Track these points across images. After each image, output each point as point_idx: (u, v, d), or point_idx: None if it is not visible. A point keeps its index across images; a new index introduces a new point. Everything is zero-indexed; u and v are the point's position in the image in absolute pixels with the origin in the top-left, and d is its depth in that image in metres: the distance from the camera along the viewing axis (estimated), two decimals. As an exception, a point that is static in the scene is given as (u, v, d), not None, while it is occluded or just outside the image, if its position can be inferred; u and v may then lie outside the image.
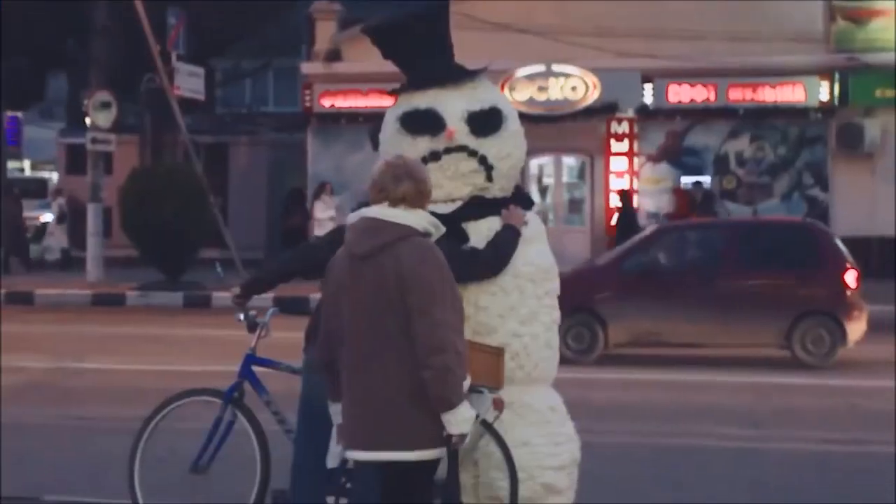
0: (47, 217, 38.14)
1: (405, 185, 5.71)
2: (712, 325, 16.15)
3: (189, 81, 27.17)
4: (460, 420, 5.55)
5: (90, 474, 9.81)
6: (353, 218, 5.79)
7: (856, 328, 16.10)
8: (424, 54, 7.39)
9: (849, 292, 16.15)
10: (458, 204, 7.26)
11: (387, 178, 5.71)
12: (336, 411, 5.87)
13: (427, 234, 5.74)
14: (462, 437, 5.60)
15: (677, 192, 27.55)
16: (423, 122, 7.24)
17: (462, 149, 7.22)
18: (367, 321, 5.54)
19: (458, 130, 7.21)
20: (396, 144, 7.34)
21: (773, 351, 16.31)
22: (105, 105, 26.43)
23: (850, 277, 16.21)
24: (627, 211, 25.99)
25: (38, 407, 12.95)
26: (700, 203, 26.46)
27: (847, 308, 16.06)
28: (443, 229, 5.89)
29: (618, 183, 27.80)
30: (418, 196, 5.74)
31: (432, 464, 5.66)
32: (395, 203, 5.67)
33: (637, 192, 27.95)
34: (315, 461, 6.88)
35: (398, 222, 5.62)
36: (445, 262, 5.66)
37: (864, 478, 9.77)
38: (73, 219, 31.25)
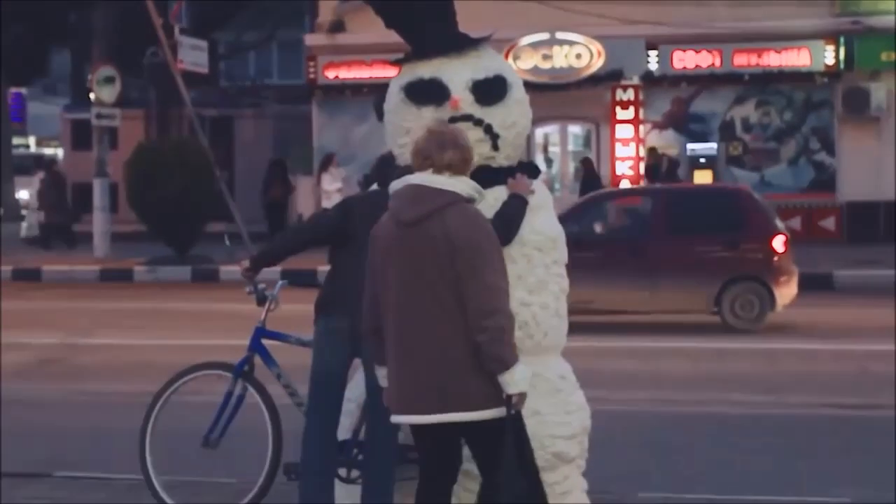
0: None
1: (450, 152, 5.74)
2: (642, 292, 16.20)
3: (192, 55, 27.10)
4: (518, 379, 5.58)
5: (100, 449, 9.83)
6: (396, 185, 5.80)
7: (785, 293, 16.21)
8: (427, 23, 7.35)
9: (777, 257, 16.24)
10: (465, 174, 7.24)
11: (431, 145, 5.74)
12: (383, 375, 5.89)
13: (471, 200, 5.76)
14: (521, 396, 5.62)
15: (656, 154, 27.34)
16: (428, 92, 7.21)
17: (467, 118, 7.18)
18: (417, 287, 5.57)
19: (463, 99, 7.18)
20: (401, 115, 7.32)
21: (706, 317, 16.28)
22: (109, 80, 26.39)
23: (778, 242, 16.29)
24: (591, 179, 25.91)
25: (47, 383, 12.97)
26: (665, 171, 26.37)
27: (775, 273, 16.15)
28: (484, 195, 5.86)
29: (624, 151, 27.72)
30: (463, 163, 5.79)
31: (496, 423, 5.64)
32: (439, 170, 5.69)
33: (642, 158, 27.90)
34: (325, 434, 6.89)
35: (444, 189, 5.64)
36: (491, 228, 5.70)
37: (878, 440, 9.77)
38: (56, 194, 31.37)
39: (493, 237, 5.68)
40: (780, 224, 16.75)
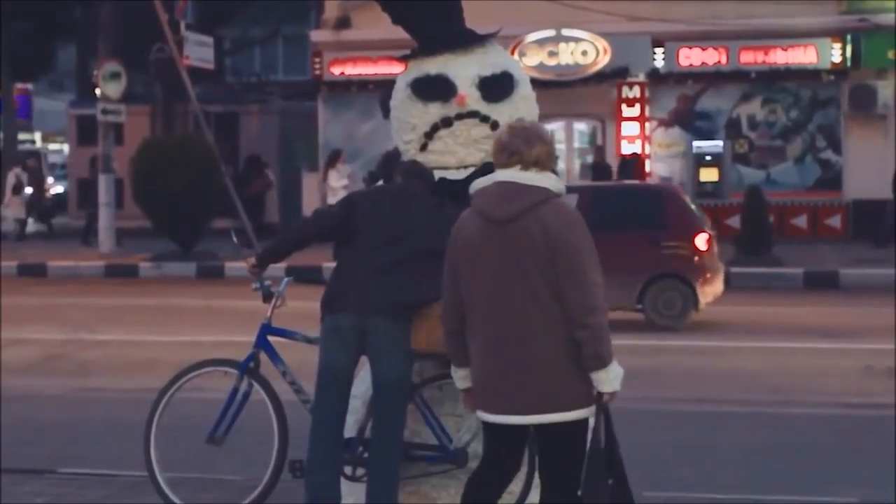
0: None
1: (537, 147, 5.63)
2: None
3: (198, 51, 27.09)
4: (613, 377, 5.52)
5: (104, 446, 9.81)
6: (483, 183, 5.68)
7: (708, 290, 16.22)
8: (434, 19, 7.33)
9: (699, 255, 16.23)
10: (471, 170, 7.21)
11: (518, 141, 5.63)
12: (462, 376, 5.82)
13: (559, 195, 5.67)
14: (613, 394, 5.56)
15: (634, 157, 27.21)
16: (434, 88, 7.20)
17: (474, 114, 7.17)
18: (513, 285, 5.49)
19: (470, 96, 7.17)
20: (407, 111, 7.30)
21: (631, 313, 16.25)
22: (114, 75, 26.38)
23: (701, 241, 16.28)
24: (603, 169, 25.83)
25: (53, 378, 12.97)
26: (619, 168, 26.30)
27: (698, 271, 16.15)
28: (564, 191, 5.78)
29: (630, 148, 27.70)
30: (548, 158, 5.69)
31: (584, 423, 5.61)
32: (527, 166, 5.58)
33: (648, 156, 27.87)
34: (332, 432, 6.86)
35: (538, 185, 5.55)
36: (584, 223, 5.63)
37: (885, 439, 9.74)
38: (34, 190, 31.74)
39: (588, 233, 5.59)
40: (705, 223, 16.83)
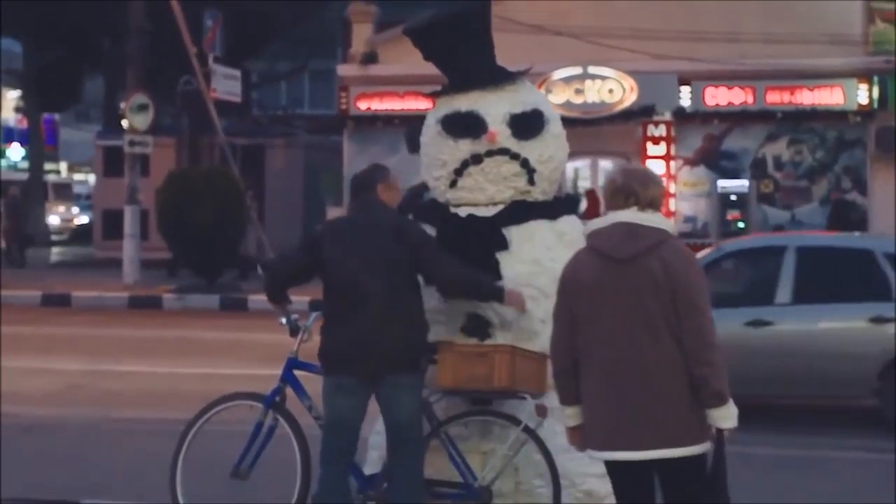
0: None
1: (652, 188, 5.83)
2: None
3: (226, 83, 27.22)
4: (732, 414, 5.63)
5: (128, 477, 9.79)
6: (600, 224, 5.80)
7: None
8: (465, 55, 7.36)
9: None
10: (500, 207, 7.22)
11: (635, 183, 5.80)
12: (572, 414, 5.84)
13: (673, 235, 5.86)
14: (732, 431, 5.66)
15: (589, 194, 27.08)
16: (465, 125, 7.22)
17: (504, 151, 7.19)
18: (634, 322, 5.61)
19: (500, 133, 7.19)
20: (438, 147, 7.32)
21: None
22: (142, 107, 26.49)
23: None
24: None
25: (76, 409, 12.95)
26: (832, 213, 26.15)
27: None
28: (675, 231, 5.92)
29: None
30: (661, 198, 5.90)
31: (704, 458, 5.68)
32: (643, 207, 5.77)
33: (674, 195, 27.83)
34: (340, 482, 6.80)
35: (656, 226, 5.74)
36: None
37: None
38: (13, 220, 32.03)
39: (703, 272, 5.79)
40: None
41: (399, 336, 6.65)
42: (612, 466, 5.76)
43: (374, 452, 7.29)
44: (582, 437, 5.82)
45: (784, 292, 12.23)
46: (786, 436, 11.55)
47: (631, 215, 5.74)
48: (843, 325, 12.07)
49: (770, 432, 11.39)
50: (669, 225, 5.83)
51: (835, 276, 12.42)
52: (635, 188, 5.78)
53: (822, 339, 12.04)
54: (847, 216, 23.78)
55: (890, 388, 11.74)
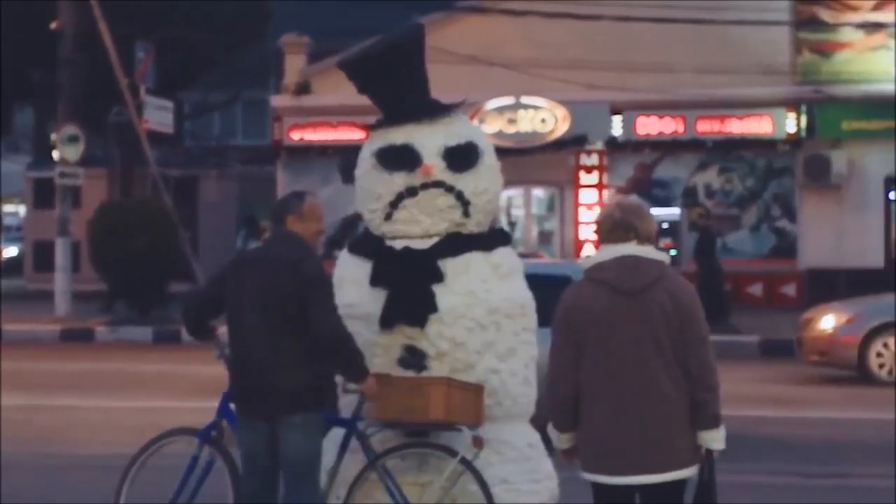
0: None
1: (649, 222, 6.11)
2: None
3: (158, 115, 27.12)
4: (723, 436, 5.96)
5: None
6: (602, 258, 6.01)
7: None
8: (399, 88, 7.39)
9: None
10: (435, 240, 7.25)
11: (633, 217, 6.06)
12: (567, 440, 6.01)
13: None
14: (720, 452, 5.98)
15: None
16: (400, 158, 7.25)
17: (439, 184, 7.23)
18: (644, 351, 5.85)
19: (435, 166, 7.23)
20: (373, 180, 7.34)
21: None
22: (73, 139, 26.30)
23: None
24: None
25: (9, 445, 12.82)
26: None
27: None
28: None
29: (588, 215, 27.78)
30: (655, 232, 6.18)
31: (685, 482, 5.96)
32: (642, 241, 6.02)
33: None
34: None
35: (657, 259, 6.03)
36: None
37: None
38: None
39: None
40: None
41: (287, 376, 6.59)
42: (603, 490, 5.95)
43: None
44: (577, 458, 6.01)
45: None
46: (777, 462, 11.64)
47: (633, 248, 5.98)
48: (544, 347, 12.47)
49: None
50: (667, 258, 6.09)
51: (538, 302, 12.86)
52: (634, 223, 6.03)
53: None
54: (710, 243, 24.42)
55: None
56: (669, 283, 5.96)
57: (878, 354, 16.89)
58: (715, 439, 5.93)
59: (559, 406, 6.01)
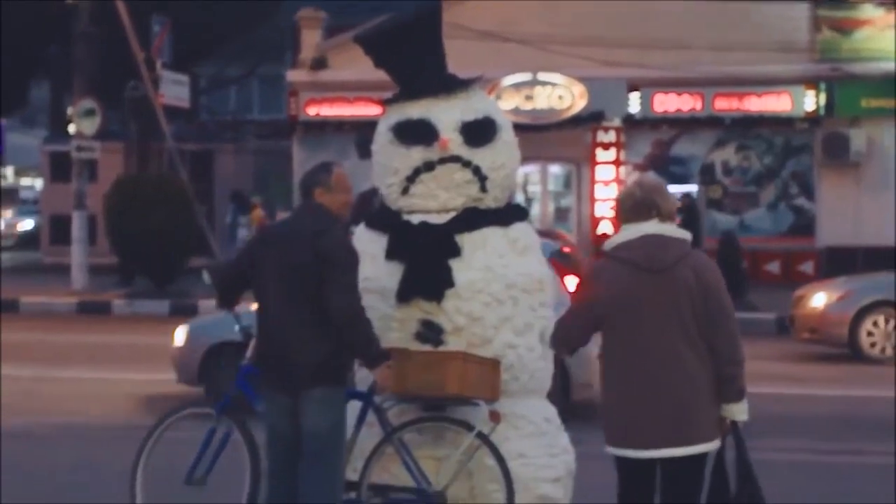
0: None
1: (671, 200, 6.25)
2: None
3: (174, 89, 27.09)
4: (746, 407, 6.12)
5: (77, 484, 9.72)
6: (626, 237, 6.10)
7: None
8: (417, 63, 7.35)
9: None
10: (452, 215, 7.22)
11: (655, 196, 6.16)
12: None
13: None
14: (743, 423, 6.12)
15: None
16: (417, 133, 7.21)
17: (456, 159, 7.19)
18: (670, 327, 5.97)
19: (452, 140, 7.19)
20: (389, 155, 7.31)
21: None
22: (89, 112, 26.30)
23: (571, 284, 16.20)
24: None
25: (24, 416, 12.86)
26: None
27: None
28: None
29: (604, 192, 27.76)
30: (675, 210, 6.30)
31: (708, 455, 6.11)
32: (664, 218, 6.14)
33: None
34: (280, 478, 6.78)
35: (681, 238, 6.15)
36: None
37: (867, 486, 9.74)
38: None
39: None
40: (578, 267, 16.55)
41: (308, 351, 6.55)
42: (627, 464, 6.09)
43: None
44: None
45: None
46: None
47: (657, 227, 6.09)
48: None
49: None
50: (689, 236, 6.18)
51: None
52: (657, 200, 6.14)
53: None
54: (696, 218, 24.49)
55: None
56: (693, 261, 6.05)
57: (869, 333, 16.90)
58: (741, 411, 6.08)
59: (563, 332, 6.27)
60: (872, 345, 16.89)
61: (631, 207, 6.15)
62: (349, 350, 6.71)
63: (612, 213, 27.63)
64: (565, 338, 6.26)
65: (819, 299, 17.39)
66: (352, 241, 6.88)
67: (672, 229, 6.12)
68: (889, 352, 16.77)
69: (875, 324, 16.90)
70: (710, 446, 6.07)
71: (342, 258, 6.59)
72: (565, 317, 6.24)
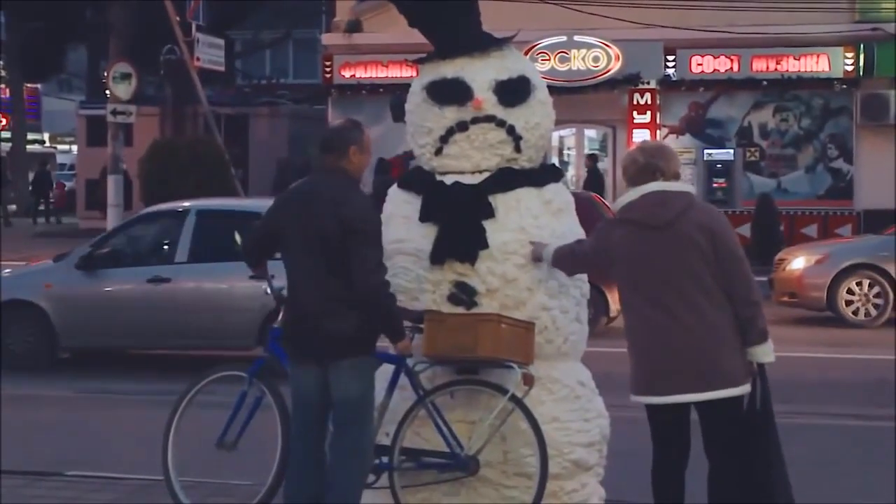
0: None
1: (674, 162, 6.40)
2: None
3: (209, 53, 27.08)
4: (772, 349, 6.25)
5: (110, 448, 9.72)
6: (629, 197, 6.32)
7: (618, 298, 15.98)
8: (451, 21, 7.25)
9: None
10: (486, 175, 7.14)
11: (658, 159, 6.32)
12: None
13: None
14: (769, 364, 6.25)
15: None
16: (451, 92, 7.12)
17: (490, 119, 7.10)
18: (680, 279, 6.14)
19: (486, 100, 7.09)
20: (423, 114, 7.22)
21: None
22: (125, 76, 26.30)
23: None
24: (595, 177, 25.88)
25: (57, 380, 12.90)
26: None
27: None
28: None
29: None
30: (679, 170, 6.46)
31: (741, 399, 6.24)
32: (668, 178, 6.29)
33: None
34: (312, 457, 6.72)
35: (683, 190, 6.31)
36: None
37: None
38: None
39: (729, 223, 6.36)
40: None
41: (336, 320, 6.46)
42: (657, 411, 6.29)
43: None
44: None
45: (182, 252, 13.37)
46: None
47: (660, 185, 6.25)
48: (229, 282, 13.05)
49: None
50: (692, 188, 6.40)
51: (227, 237, 12.92)
52: (660, 164, 6.30)
53: (211, 295, 13.25)
54: (597, 182, 24.60)
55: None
56: (697, 212, 6.21)
57: (848, 294, 16.90)
58: (766, 353, 6.20)
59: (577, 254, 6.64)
60: (851, 307, 16.81)
61: (635, 173, 6.34)
62: (380, 323, 6.63)
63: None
64: (586, 261, 6.70)
65: (798, 263, 17.28)
66: (373, 205, 6.75)
67: (676, 185, 6.29)
68: (867, 314, 16.69)
69: (856, 285, 16.80)
70: (738, 391, 6.18)
71: (367, 229, 6.47)
72: (591, 250, 6.61)
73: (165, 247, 13.78)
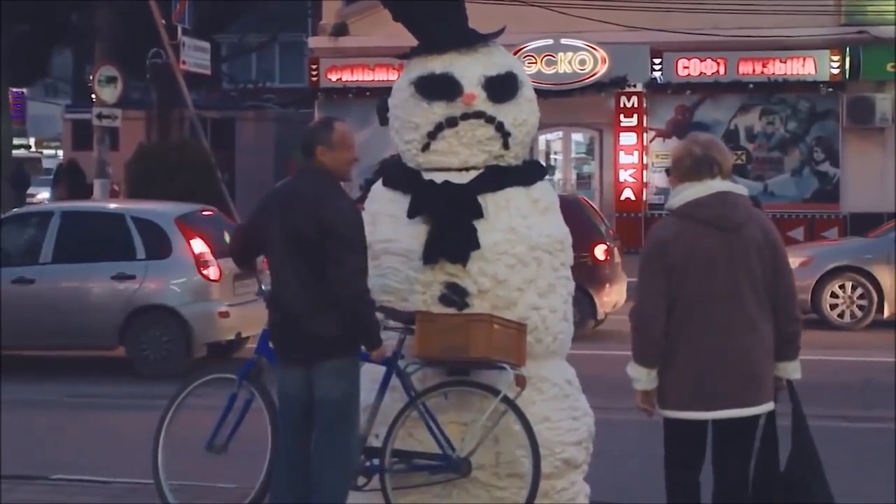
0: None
1: (730, 157, 6.20)
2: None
3: (195, 56, 26.98)
4: (800, 365, 6.18)
5: (97, 452, 9.67)
6: (697, 194, 6.00)
7: (606, 301, 16.15)
8: (437, 17, 7.20)
9: (599, 265, 16.09)
10: (473, 174, 7.08)
11: (715, 153, 6.08)
12: (652, 378, 6.04)
13: None
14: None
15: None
16: (440, 87, 7.05)
17: (479, 115, 7.05)
18: (742, 285, 5.96)
19: (476, 96, 7.04)
20: (410, 110, 7.15)
21: None
22: (110, 80, 26.18)
23: (600, 251, 16.13)
24: None
25: (46, 384, 12.84)
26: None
27: (597, 281, 15.93)
28: None
29: (627, 158, 27.62)
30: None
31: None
32: (725, 175, 6.08)
33: (646, 167, 27.78)
34: (296, 458, 6.67)
35: (746, 194, 6.14)
36: None
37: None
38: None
39: None
40: (604, 233, 16.81)
41: (319, 322, 6.42)
42: (682, 426, 6.04)
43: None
44: (657, 399, 6.09)
45: (47, 253, 13.61)
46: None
47: (725, 185, 6.03)
48: (91, 282, 13.45)
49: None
50: (747, 192, 6.20)
51: (91, 238, 13.95)
52: (717, 158, 6.06)
53: (74, 295, 13.49)
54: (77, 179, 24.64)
55: (132, 336, 13.10)
56: (759, 218, 6.09)
57: (832, 296, 16.93)
58: (797, 369, 6.15)
59: (652, 345, 6.01)
60: (836, 310, 16.83)
61: (691, 166, 6.05)
62: (360, 331, 6.57)
63: (634, 180, 27.49)
64: (655, 320, 6.03)
65: None
66: (355, 206, 6.69)
67: (740, 187, 6.12)
68: (852, 316, 16.71)
69: (840, 288, 16.84)
70: (769, 407, 6.08)
71: (346, 233, 6.41)
72: (643, 294, 6.08)
73: (31, 248, 13.99)
